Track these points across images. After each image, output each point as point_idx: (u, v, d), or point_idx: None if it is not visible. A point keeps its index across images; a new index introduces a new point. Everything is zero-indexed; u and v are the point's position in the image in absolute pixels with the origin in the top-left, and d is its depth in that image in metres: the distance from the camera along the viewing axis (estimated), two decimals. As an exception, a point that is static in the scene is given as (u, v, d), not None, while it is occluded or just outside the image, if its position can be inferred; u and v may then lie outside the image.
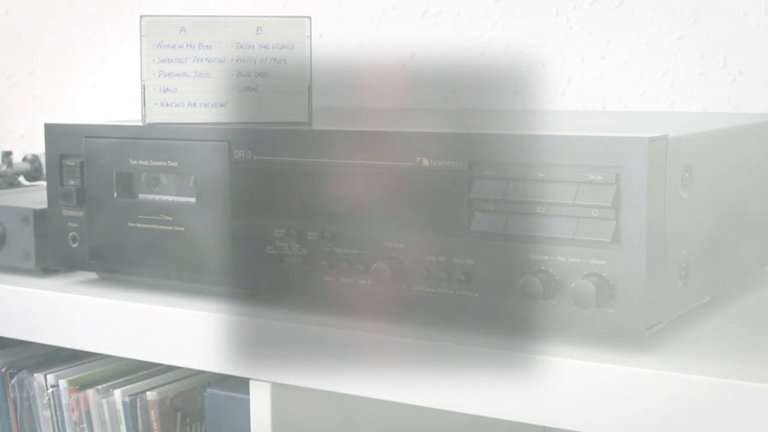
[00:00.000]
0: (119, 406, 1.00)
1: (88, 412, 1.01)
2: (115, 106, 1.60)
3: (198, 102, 0.91)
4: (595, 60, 1.25)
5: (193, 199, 0.91)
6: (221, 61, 0.91)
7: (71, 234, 0.98)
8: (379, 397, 0.81)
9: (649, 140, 0.72)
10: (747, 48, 1.16)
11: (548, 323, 0.76)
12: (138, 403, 0.99)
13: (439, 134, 0.80)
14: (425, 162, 0.81)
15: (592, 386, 0.72)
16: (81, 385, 1.02)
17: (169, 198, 0.93)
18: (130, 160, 0.94)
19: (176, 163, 0.91)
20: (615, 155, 0.73)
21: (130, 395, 0.99)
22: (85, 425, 1.01)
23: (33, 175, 1.33)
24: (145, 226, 0.93)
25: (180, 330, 0.90)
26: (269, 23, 0.91)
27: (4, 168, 1.31)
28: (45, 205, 1.01)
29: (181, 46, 0.90)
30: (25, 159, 1.34)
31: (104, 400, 1.00)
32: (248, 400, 0.87)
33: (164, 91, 0.91)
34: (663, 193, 0.74)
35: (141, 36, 0.90)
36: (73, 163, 0.97)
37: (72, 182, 0.98)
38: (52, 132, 0.99)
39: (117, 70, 1.60)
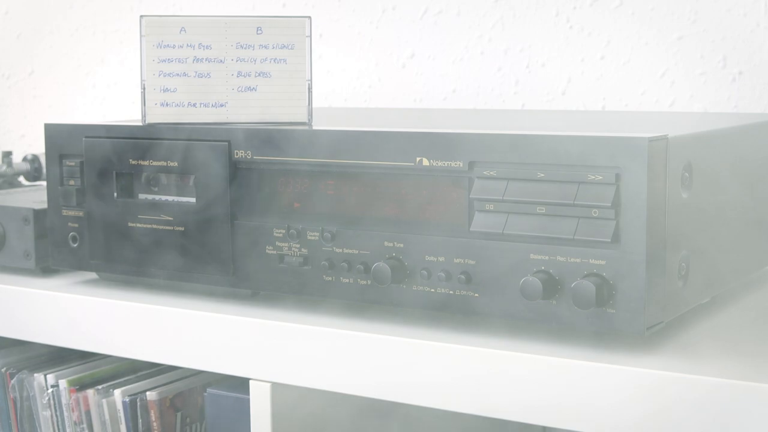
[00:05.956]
0: (119, 406, 1.00)
1: (88, 412, 1.01)
2: (115, 106, 1.60)
3: (198, 102, 0.91)
4: (595, 60, 1.25)
5: (193, 199, 0.91)
6: (221, 61, 0.91)
7: (71, 234, 0.98)
8: (379, 397, 0.81)
9: (649, 140, 0.72)
10: (747, 48, 1.16)
11: (548, 323, 0.76)
12: (138, 403, 0.99)
13: (439, 134, 0.80)
14: (425, 162, 0.81)
15: (592, 386, 0.72)
16: (81, 385, 1.02)
17: (169, 198, 0.93)
18: (130, 160, 0.94)
19: (176, 163, 0.91)
20: (615, 155, 0.73)
21: (130, 395, 0.99)
22: (85, 425, 1.01)
23: (33, 175, 1.33)
24: (145, 226, 0.93)
25: (180, 330, 0.90)
26: (269, 23, 0.91)
27: (4, 168, 1.31)
28: (45, 205, 1.01)
29: (181, 46, 0.90)
30: (25, 159, 1.34)
31: (104, 400, 1.00)
32: (248, 400, 0.87)
33: (164, 91, 0.91)
34: (663, 193, 0.74)
35: (141, 36, 0.90)
36: (73, 163, 0.97)
37: (72, 182, 0.98)
38: (52, 132, 0.99)
39: (117, 70, 1.60)
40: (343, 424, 0.92)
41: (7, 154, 1.33)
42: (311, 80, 0.91)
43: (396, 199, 0.83)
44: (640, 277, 0.72)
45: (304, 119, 0.91)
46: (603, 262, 0.74)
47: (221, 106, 0.91)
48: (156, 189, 0.94)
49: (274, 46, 0.91)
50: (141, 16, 0.90)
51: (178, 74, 0.91)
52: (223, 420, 0.92)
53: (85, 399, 1.01)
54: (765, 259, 0.97)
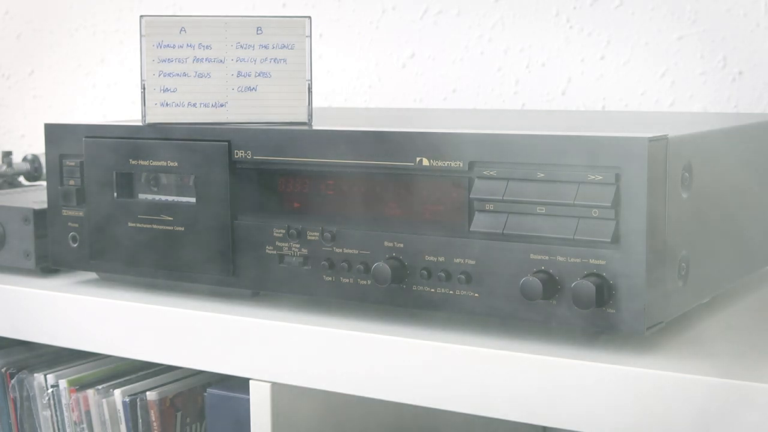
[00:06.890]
0: (119, 406, 1.00)
1: (88, 412, 1.01)
2: (115, 106, 1.60)
3: (198, 102, 0.91)
4: (595, 60, 1.25)
5: (193, 199, 0.91)
6: (221, 61, 0.91)
7: (71, 234, 0.98)
8: (379, 397, 0.81)
9: (649, 140, 0.72)
10: (747, 48, 1.16)
11: (548, 323, 0.76)
12: (138, 403, 0.99)
13: (439, 134, 0.80)
14: (425, 162, 0.81)
15: (592, 386, 0.72)
16: (81, 385, 1.02)
17: (169, 198, 0.93)
18: (130, 160, 0.94)
19: (176, 163, 0.91)
20: (615, 155, 0.73)
21: (130, 395, 0.99)
22: (85, 425, 1.01)
23: (33, 175, 1.33)
24: (145, 226, 0.93)
25: (180, 330, 0.90)
26: (269, 23, 0.91)
27: (4, 168, 1.31)
28: (45, 205, 1.01)
29: (181, 46, 0.90)
30: (25, 159, 1.34)
31: (104, 400, 1.00)
32: (248, 400, 0.87)
33: (164, 91, 0.91)
34: (663, 193, 0.74)
35: (141, 36, 0.90)
36: (73, 163, 0.97)
37: (72, 182, 0.98)
38: (52, 132, 0.99)
39: (117, 70, 1.60)
40: (342, 424, 0.92)
41: (7, 154, 1.33)
42: (311, 80, 0.91)
43: (396, 199, 0.83)
44: (640, 277, 0.72)
45: (304, 119, 0.91)
46: (603, 262, 0.74)
47: (221, 106, 0.91)
48: (156, 189, 0.94)
49: (274, 46, 0.91)
50: (141, 16, 0.90)
51: (178, 74, 0.91)
52: (223, 420, 0.92)
53: (85, 399, 1.01)
54: (765, 259, 0.97)
